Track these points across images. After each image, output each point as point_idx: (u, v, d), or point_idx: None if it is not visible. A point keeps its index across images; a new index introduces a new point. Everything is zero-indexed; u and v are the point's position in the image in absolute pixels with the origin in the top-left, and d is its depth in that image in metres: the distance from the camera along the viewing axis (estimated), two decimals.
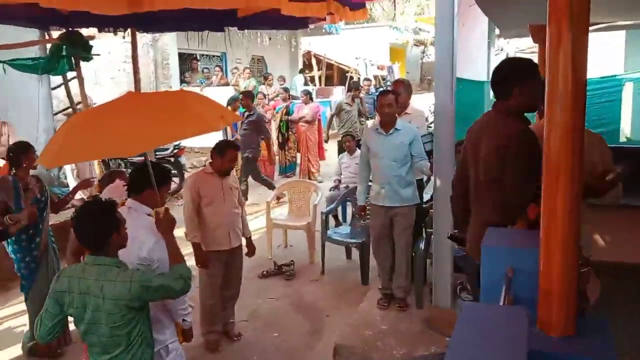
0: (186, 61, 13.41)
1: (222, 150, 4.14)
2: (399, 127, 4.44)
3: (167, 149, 9.39)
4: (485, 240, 1.96)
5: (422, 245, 4.64)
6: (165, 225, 2.61)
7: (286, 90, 10.95)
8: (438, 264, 4.36)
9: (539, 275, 1.66)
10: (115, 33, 5.58)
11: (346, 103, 9.45)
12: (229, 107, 8.50)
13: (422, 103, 11.62)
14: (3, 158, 5.19)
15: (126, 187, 2.86)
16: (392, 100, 4.44)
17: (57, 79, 7.79)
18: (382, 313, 4.50)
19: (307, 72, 18.18)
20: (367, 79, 14.47)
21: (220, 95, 10.00)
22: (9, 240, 4.00)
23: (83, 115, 2.69)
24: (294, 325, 4.73)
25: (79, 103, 7.22)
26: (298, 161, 10.58)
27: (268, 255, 6.18)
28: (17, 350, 4.33)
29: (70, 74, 6.65)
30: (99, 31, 5.61)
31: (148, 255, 2.60)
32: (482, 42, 7.02)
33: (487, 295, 1.90)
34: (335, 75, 20.85)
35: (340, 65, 20.38)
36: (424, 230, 4.84)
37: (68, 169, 7.46)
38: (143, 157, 2.93)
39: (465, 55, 5.81)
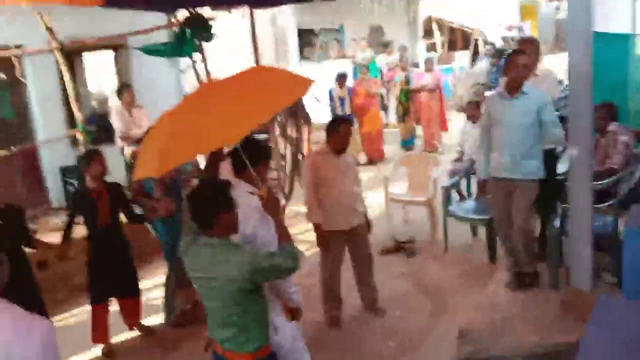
0: (305, 37, 13.49)
1: (335, 126, 4.04)
2: (526, 90, 3.96)
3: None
4: (629, 221, 1.62)
5: (557, 222, 4.16)
6: (271, 206, 2.56)
7: (404, 58, 10.53)
8: (575, 242, 3.86)
9: None
10: (229, 11, 5.68)
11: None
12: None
13: (557, 64, 10.50)
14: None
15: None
16: (527, 60, 3.98)
17: (185, 62, 8.22)
18: (511, 295, 4.13)
19: (427, 39, 17.41)
20: (488, 44, 13.36)
21: (338, 68, 9.92)
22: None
23: (168, 116, 2.67)
24: (416, 305, 4.56)
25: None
26: (419, 133, 10.19)
27: (388, 232, 6.03)
28: (159, 319, 4.74)
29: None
30: (213, 9, 5.73)
31: (252, 233, 2.60)
32: None
33: (629, 283, 1.58)
34: (458, 39, 19.75)
35: (464, 29, 19.24)
36: (558, 205, 4.34)
37: None
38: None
39: (603, 4, 5.01)
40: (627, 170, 4.30)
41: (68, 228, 4.12)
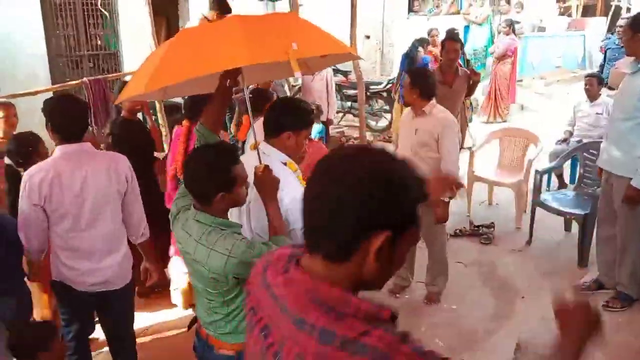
0: None
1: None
2: None
3: (381, 83, 8.95)
4: None
5: None
6: (264, 185, 2.06)
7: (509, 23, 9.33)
8: None
9: None
10: None
11: None
12: None
13: None
14: None
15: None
16: None
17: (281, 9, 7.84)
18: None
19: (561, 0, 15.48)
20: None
21: (447, 25, 9.00)
22: None
23: (179, 36, 2.30)
24: (478, 301, 3.97)
25: None
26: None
27: (466, 212, 5.38)
28: None
29: None
30: None
31: (284, 212, 2.14)
32: None
33: None
34: (599, 4, 17.38)
35: None
36: None
37: None
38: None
39: None
40: None
41: None
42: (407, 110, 3.85)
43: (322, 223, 0.93)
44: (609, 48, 6.84)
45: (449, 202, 3.57)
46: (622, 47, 6.68)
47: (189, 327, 2.21)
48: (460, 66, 5.28)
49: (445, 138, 3.52)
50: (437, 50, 7.61)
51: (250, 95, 2.44)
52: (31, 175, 2.41)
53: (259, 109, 3.16)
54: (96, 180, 2.46)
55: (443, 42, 5.21)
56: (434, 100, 3.64)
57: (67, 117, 2.50)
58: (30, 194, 2.39)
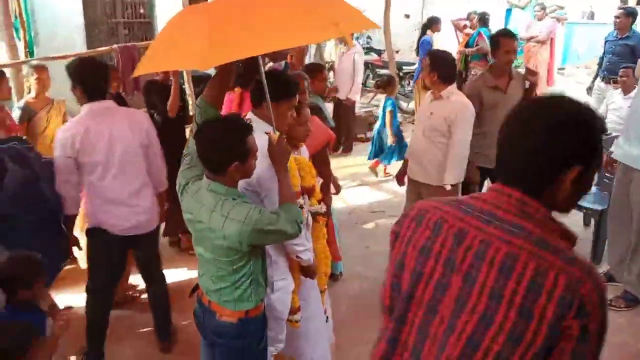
0: None
1: None
2: None
3: (414, 64, 8.82)
4: None
5: None
6: (277, 154, 2.17)
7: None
8: None
9: None
10: None
11: None
12: None
13: None
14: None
15: None
16: None
17: None
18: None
19: None
20: None
21: (488, 7, 8.74)
22: None
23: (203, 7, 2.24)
24: None
25: None
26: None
27: None
28: None
29: None
30: None
31: (256, 182, 2.24)
32: None
33: None
34: None
35: None
36: None
37: None
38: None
39: None
40: None
41: None
42: (429, 92, 3.82)
43: (525, 164, 1.10)
44: (607, 40, 6.54)
45: (451, 189, 3.53)
46: (619, 39, 6.39)
47: (190, 294, 2.31)
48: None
49: (457, 125, 3.47)
50: (471, 31, 7.46)
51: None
52: (64, 131, 2.73)
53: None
54: (121, 133, 2.75)
55: (496, 38, 4.07)
56: (453, 86, 3.58)
57: (89, 76, 2.73)
58: (64, 147, 2.69)
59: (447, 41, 8.05)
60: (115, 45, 4.91)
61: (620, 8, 6.84)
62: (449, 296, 1.11)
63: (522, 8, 9.68)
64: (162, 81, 4.17)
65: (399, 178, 3.99)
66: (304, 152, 2.77)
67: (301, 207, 2.50)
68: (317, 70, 4.11)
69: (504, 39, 3.98)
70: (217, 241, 1.98)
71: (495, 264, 1.06)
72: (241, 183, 2.19)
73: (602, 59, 6.74)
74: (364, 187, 6.13)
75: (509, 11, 10.08)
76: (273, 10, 2.06)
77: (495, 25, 8.41)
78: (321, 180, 2.98)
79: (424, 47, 7.32)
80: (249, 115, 2.36)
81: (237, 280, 2.06)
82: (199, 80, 5.13)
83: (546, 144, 1.07)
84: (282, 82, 2.37)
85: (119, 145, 2.73)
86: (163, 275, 3.22)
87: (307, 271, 2.57)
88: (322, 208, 2.80)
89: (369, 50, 9.49)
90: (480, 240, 1.10)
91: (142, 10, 7.44)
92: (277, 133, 2.23)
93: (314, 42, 3.36)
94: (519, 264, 1.03)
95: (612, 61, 6.39)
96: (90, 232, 2.92)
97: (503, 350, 1.02)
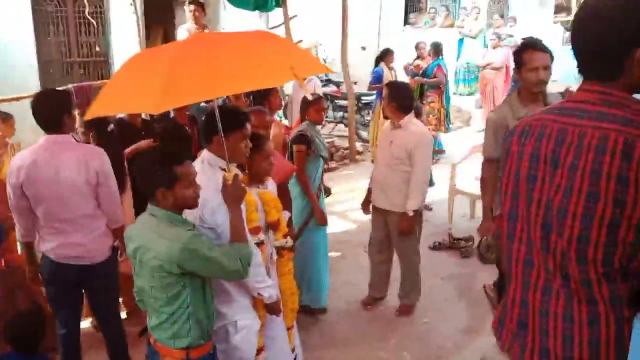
0: (413, 0, 12.59)
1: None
2: None
3: (373, 94, 8.99)
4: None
5: None
6: (230, 195, 2.18)
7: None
8: None
9: None
10: None
11: None
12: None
13: None
14: None
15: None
16: None
17: (276, 18, 7.92)
18: None
19: (561, 14, 15.52)
20: None
21: (442, 37, 9.05)
22: None
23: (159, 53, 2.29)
24: (452, 315, 3.98)
25: (299, 41, 7.24)
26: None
27: (448, 225, 5.40)
28: None
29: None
30: None
31: (210, 218, 2.22)
32: None
33: None
34: None
35: None
36: None
37: None
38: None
39: None
40: None
41: None
42: (387, 122, 3.90)
43: (595, 49, 1.29)
44: None
45: (413, 215, 3.59)
46: None
47: (140, 335, 2.24)
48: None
49: (417, 153, 3.55)
50: (424, 63, 7.67)
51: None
52: (15, 159, 2.72)
53: None
54: (66, 169, 2.68)
55: (520, 53, 3.02)
56: (411, 115, 3.67)
57: (43, 109, 2.70)
58: (10, 175, 2.68)
59: (401, 72, 8.27)
60: (70, 86, 4.85)
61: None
62: (560, 192, 1.31)
63: (474, 37, 10.06)
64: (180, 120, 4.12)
65: (364, 207, 4.02)
66: (271, 186, 2.76)
67: (262, 242, 2.49)
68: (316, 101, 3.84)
69: (527, 53, 2.98)
70: (151, 262, 1.98)
71: (591, 147, 1.25)
72: (196, 221, 2.18)
73: None
74: (330, 217, 6.12)
75: (461, 41, 10.47)
76: (230, 56, 2.16)
77: (448, 55, 8.72)
78: (288, 215, 2.96)
79: (375, 77, 7.55)
80: (203, 153, 2.34)
81: (174, 312, 2.04)
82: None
83: (612, 25, 1.24)
84: (228, 114, 2.36)
85: (63, 181, 2.67)
86: (118, 321, 3.00)
87: (272, 308, 2.53)
88: (288, 242, 2.78)
89: (327, 82, 9.63)
90: (578, 132, 1.29)
91: (97, 49, 7.38)
92: (232, 171, 2.22)
93: (269, 87, 3.48)
94: (610, 142, 1.22)
95: None
96: (41, 261, 2.87)
97: (614, 216, 1.22)
